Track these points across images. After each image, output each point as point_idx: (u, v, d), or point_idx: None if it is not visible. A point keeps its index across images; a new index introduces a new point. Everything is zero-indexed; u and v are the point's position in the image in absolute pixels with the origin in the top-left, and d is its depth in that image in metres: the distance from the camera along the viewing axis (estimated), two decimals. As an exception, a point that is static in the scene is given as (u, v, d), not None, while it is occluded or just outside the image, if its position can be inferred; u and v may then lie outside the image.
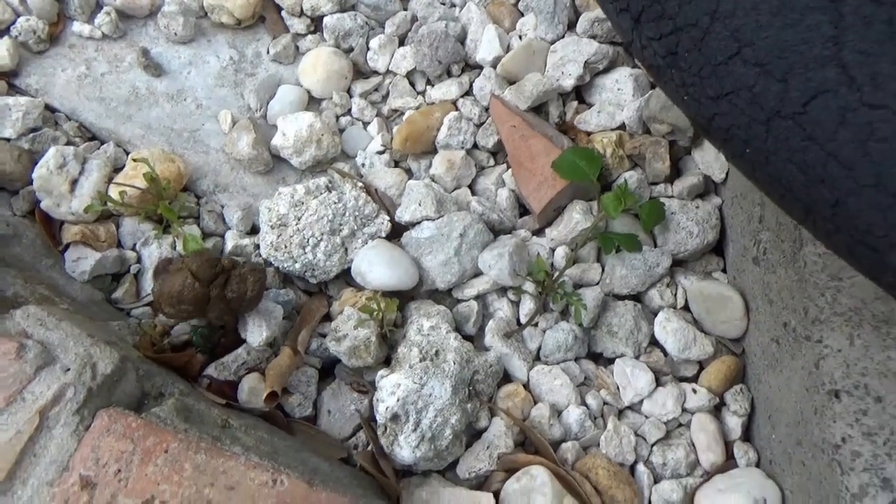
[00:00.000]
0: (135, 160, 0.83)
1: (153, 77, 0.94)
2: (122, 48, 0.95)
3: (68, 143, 0.88)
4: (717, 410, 0.77)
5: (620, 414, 0.77)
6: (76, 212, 0.81)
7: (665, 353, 0.78)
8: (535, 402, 0.75)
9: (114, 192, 0.82)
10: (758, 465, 0.72)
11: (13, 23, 0.91)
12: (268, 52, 0.98)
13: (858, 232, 0.38)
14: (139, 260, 0.83)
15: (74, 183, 0.83)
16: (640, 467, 0.73)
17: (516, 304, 0.81)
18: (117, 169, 0.87)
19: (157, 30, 0.97)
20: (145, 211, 0.82)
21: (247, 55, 0.98)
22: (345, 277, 0.83)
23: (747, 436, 0.76)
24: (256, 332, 0.74)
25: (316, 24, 0.99)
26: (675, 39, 0.43)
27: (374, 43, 0.96)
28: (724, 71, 0.41)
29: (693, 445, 0.74)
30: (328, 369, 0.79)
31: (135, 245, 0.84)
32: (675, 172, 0.88)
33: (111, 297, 0.80)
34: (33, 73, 0.92)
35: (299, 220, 0.81)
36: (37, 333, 0.62)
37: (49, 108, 0.90)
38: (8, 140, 0.85)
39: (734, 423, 0.75)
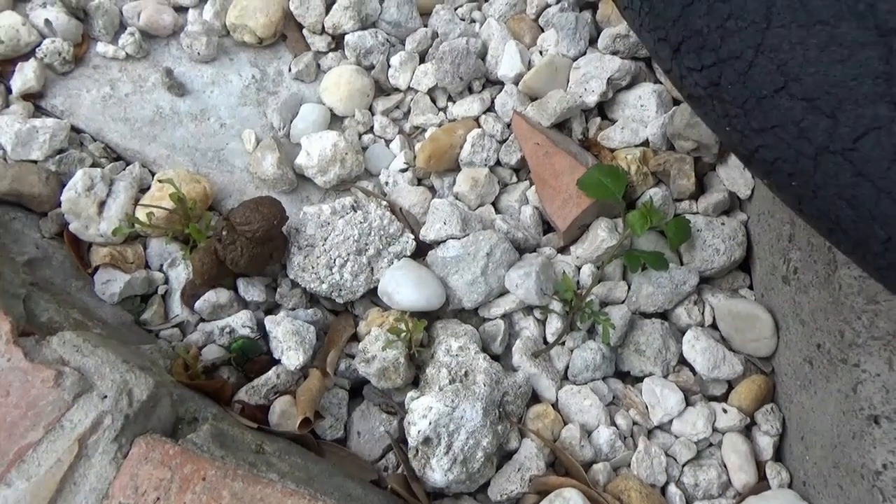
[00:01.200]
0: (160, 181, 0.84)
1: (177, 97, 0.95)
2: (145, 68, 0.96)
3: (94, 165, 0.88)
4: (747, 430, 0.77)
5: (650, 434, 0.77)
6: (105, 234, 0.82)
7: (694, 372, 0.78)
8: (565, 423, 0.75)
9: (141, 213, 0.82)
10: (790, 485, 0.72)
11: (38, 45, 0.92)
12: (289, 71, 0.98)
13: (912, 269, 0.38)
14: (167, 281, 0.84)
15: (102, 205, 0.83)
16: (672, 488, 0.73)
17: (543, 323, 0.81)
18: (143, 189, 0.88)
19: (181, 49, 0.97)
20: (172, 231, 0.83)
21: (269, 74, 0.99)
22: (370, 297, 0.84)
23: (779, 456, 0.76)
24: (293, 356, 0.75)
25: (337, 41, 0.99)
26: (718, 71, 0.43)
27: (395, 60, 0.96)
28: (770, 104, 0.41)
29: (724, 466, 0.74)
30: (356, 390, 0.79)
31: (162, 266, 0.84)
32: (700, 189, 0.88)
33: (140, 319, 0.81)
34: (59, 95, 0.92)
35: (325, 240, 0.82)
36: (73, 360, 0.62)
37: (75, 129, 0.91)
38: (35, 162, 0.85)
39: (766, 443, 0.75)
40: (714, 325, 0.81)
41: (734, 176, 0.86)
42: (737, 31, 0.41)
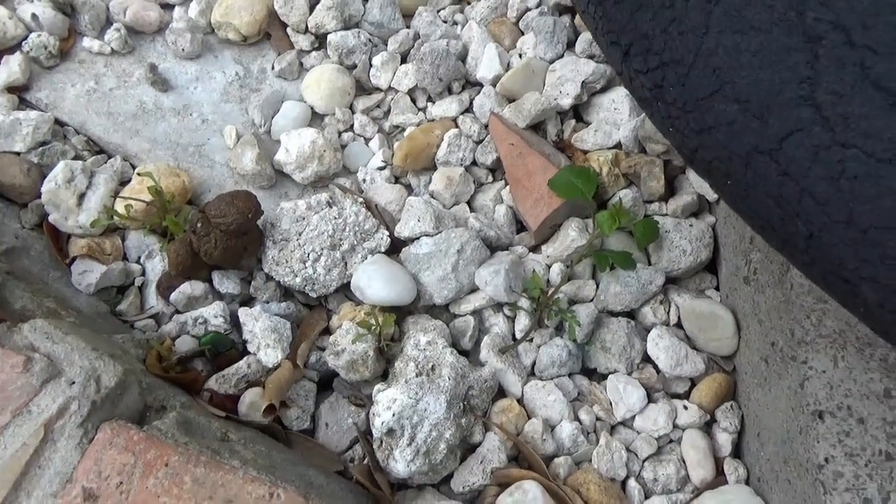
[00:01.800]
0: (139, 174, 0.85)
1: (160, 92, 0.96)
2: (130, 63, 0.98)
3: (76, 157, 0.90)
4: (707, 427, 0.78)
5: (613, 429, 0.78)
6: (83, 225, 0.83)
7: (657, 370, 0.80)
8: (529, 418, 0.76)
9: (120, 205, 0.84)
10: (747, 481, 0.74)
11: (25, 38, 0.93)
12: (273, 69, 1.00)
13: (832, 265, 0.40)
14: (144, 273, 0.85)
15: (82, 197, 0.85)
16: (632, 482, 0.74)
17: (512, 320, 0.83)
18: (124, 183, 0.89)
19: (165, 46, 0.99)
20: (150, 224, 0.84)
21: (252, 71, 1.00)
22: (344, 291, 0.85)
23: (737, 452, 0.77)
24: (271, 353, 0.76)
25: (320, 41, 1.01)
26: (662, 74, 0.45)
27: (376, 60, 0.98)
28: (707, 106, 0.42)
29: (683, 461, 0.75)
30: (327, 382, 0.81)
31: (139, 258, 0.85)
32: (670, 191, 0.89)
33: (116, 310, 0.82)
34: (44, 88, 0.94)
35: (300, 235, 0.83)
36: (43, 347, 0.63)
37: (59, 123, 0.92)
38: (18, 154, 0.87)
39: (724, 440, 0.76)
40: (679, 325, 0.83)
41: (702, 179, 0.87)
42: (678, 35, 0.43)
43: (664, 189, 0.87)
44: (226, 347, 0.77)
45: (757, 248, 0.73)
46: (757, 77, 0.39)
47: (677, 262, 0.83)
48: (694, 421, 0.76)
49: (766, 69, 0.39)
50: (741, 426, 0.77)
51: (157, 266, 0.84)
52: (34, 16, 0.93)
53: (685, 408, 0.77)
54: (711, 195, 0.87)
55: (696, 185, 0.88)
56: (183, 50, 0.97)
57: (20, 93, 0.93)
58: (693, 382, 0.80)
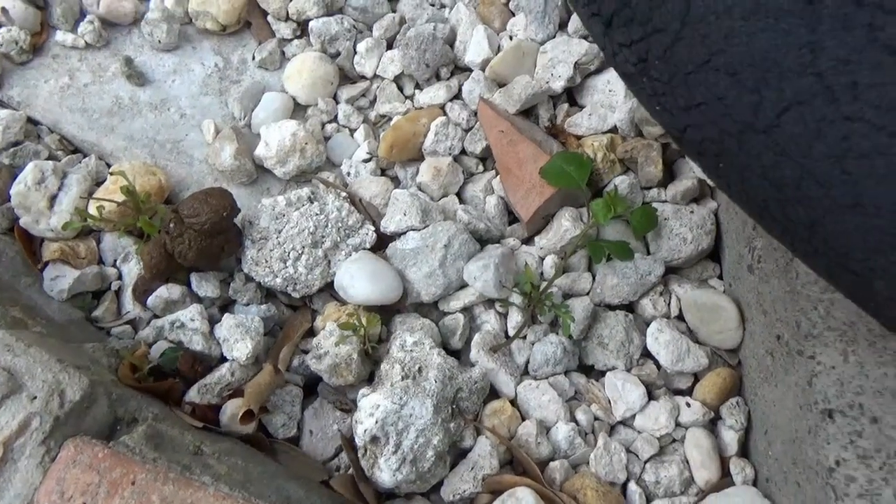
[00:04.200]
0: (112, 174, 0.82)
1: (137, 86, 0.93)
2: (105, 57, 0.94)
3: (50, 157, 0.86)
4: (712, 425, 0.74)
5: (612, 430, 0.74)
6: (55, 228, 0.80)
7: (658, 366, 0.76)
8: (523, 419, 0.72)
9: (92, 207, 0.80)
10: (755, 482, 0.69)
11: (-6, 35, 0.90)
12: (253, 59, 0.96)
13: (838, 255, 0.35)
14: (120, 276, 0.82)
15: (53, 199, 0.81)
16: (632, 486, 0.70)
17: (504, 317, 0.79)
18: (100, 183, 0.86)
19: (142, 37, 0.95)
20: (125, 225, 0.81)
21: (232, 62, 0.96)
22: (329, 291, 0.81)
23: (744, 451, 0.73)
24: (241, 347, 0.73)
25: (302, 28, 0.97)
26: (646, 46, 0.40)
27: (361, 47, 0.94)
28: (695, 80, 0.38)
29: (687, 462, 0.71)
30: (312, 387, 0.77)
31: (115, 261, 0.82)
32: (669, 176, 0.85)
33: (91, 316, 0.79)
34: (16, 85, 0.90)
35: (280, 232, 0.79)
36: (3, 360, 0.60)
37: (32, 121, 0.89)
38: (-12, 156, 0.84)
39: (730, 438, 0.72)
40: (681, 317, 0.78)
41: (693, 162, 0.82)
42: (663, 1, 0.38)
43: (663, 174, 0.83)
44: (177, 353, 0.73)
45: (761, 235, 0.68)
46: (750, 45, 0.35)
47: (677, 251, 0.79)
48: (697, 419, 0.72)
49: (761, 35, 0.35)
50: (748, 423, 0.72)
51: (133, 269, 0.81)
52: (3, 10, 0.90)
53: (688, 405, 0.73)
54: (713, 179, 0.82)
55: (696, 169, 0.83)
56: (159, 41, 0.94)
57: (-9, 91, 0.89)
58: (696, 378, 0.76)
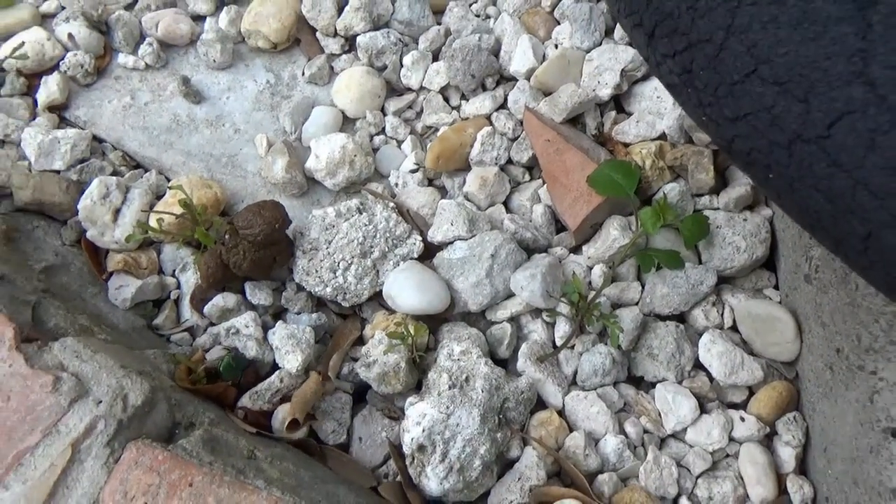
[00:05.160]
0: (171, 188, 0.85)
1: (193, 104, 0.96)
2: (164, 77, 0.98)
3: (114, 173, 0.91)
4: (768, 440, 0.72)
5: (662, 443, 0.73)
6: (119, 241, 0.84)
7: (711, 378, 0.74)
8: (571, 431, 0.72)
9: (153, 219, 0.84)
10: (814, 501, 0.67)
11: (62, 58, 0.95)
12: (303, 74, 0.98)
13: (895, 269, 0.34)
14: (178, 286, 0.85)
15: (117, 212, 0.85)
16: (684, 501, 0.69)
17: (551, 327, 0.78)
18: (160, 197, 0.89)
19: (198, 58, 0.99)
20: (183, 237, 0.84)
21: (283, 78, 0.99)
22: (378, 299, 0.83)
23: (802, 469, 0.70)
24: (291, 359, 0.74)
25: (350, 43, 0.99)
26: (690, 56, 0.40)
27: (407, 60, 0.95)
28: (741, 90, 0.37)
29: (741, 478, 0.69)
30: (362, 395, 0.78)
31: (174, 271, 0.85)
32: (721, 183, 0.83)
33: (153, 324, 0.82)
34: (82, 106, 0.95)
35: (329, 243, 0.81)
36: (72, 366, 0.63)
37: (97, 139, 0.93)
38: (58, 172, 0.88)
39: (787, 455, 0.70)
40: (734, 328, 0.76)
41: (742, 173, 0.80)
42: (707, 11, 0.38)
43: (714, 181, 0.81)
44: (243, 366, 0.75)
45: (818, 244, 0.66)
46: (798, 53, 0.34)
47: (730, 260, 0.77)
48: (752, 434, 0.70)
49: (809, 43, 0.34)
50: (806, 439, 0.70)
51: (190, 279, 0.84)
52: (70, 35, 0.95)
53: (742, 419, 0.71)
54: (767, 186, 0.79)
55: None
56: (214, 61, 0.97)
57: (60, 111, 0.94)
58: (751, 391, 0.74)
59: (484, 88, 0.94)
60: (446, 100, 0.95)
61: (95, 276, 0.84)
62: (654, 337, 0.75)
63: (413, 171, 0.91)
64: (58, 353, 0.64)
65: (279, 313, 0.83)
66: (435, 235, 0.83)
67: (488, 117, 0.91)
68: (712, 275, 0.76)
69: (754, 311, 0.74)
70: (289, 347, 0.74)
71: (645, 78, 0.87)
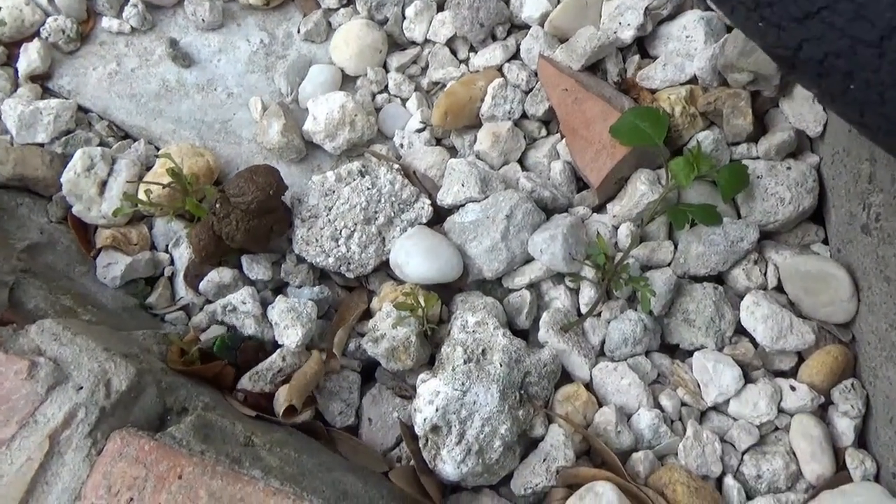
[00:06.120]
0: (159, 156, 0.79)
1: (183, 68, 0.90)
2: (151, 41, 0.92)
3: (101, 144, 0.85)
4: (822, 411, 0.65)
5: (702, 417, 0.66)
6: (106, 215, 0.78)
7: (755, 344, 0.67)
8: (600, 406, 0.66)
9: (141, 191, 0.78)
10: (877, 478, 0.60)
11: (43, 24, 0.88)
12: (299, 32, 0.91)
13: None
14: (172, 262, 0.79)
15: (104, 185, 0.80)
16: (729, 480, 0.62)
17: (575, 293, 0.72)
18: (150, 168, 0.84)
19: (186, 18, 0.92)
20: (174, 209, 0.78)
21: (277, 37, 0.92)
22: (385, 270, 0.77)
23: (862, 441, 0.64)
24: (291, 333, 0.69)
25: (348, -4, 0.92)
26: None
27: (409, 11, 0.88)
28: (814, -21, 0.30)
29: (793, 454, 0.63)
30: (370, 372, 0.73)
31: (167, 246, 0.80)
32: (761, 129, 0.76)
33: (146, 303, 0.77)
34: (66, 75, 0.89)
35: (330, 210, 0.75)
36: (50, 349, 0.58)
37: (82, 109, 0.88)
38: (41, 145, 0.83)
39: (845, 427, 0.63)
40: (780, 288, 0.69)
41: (802, 111, 0.72)
42: None
43: (753, 127, 0.74)
44: (238, 342, 0.69)
45: (879, 189, 0.58)
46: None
47: (774, 214, 0.69)
48: (804, 404, 0.63)
49: None
50: (866, 409, 0.63)
51: (184, 254, 0.79)
52: (50, -1, 0.89)
53: (792, 388, 0.64)
54: (814, 130, 0.72)
55: (792, 119, 0.73)
56: (203, 21, 0.91)
57: (42, 81, 0.89)
58: (800, 357, 0.67)
59: (493, 38, 0.87)
60: (453, 52, 0.88)
61: (83, 255, 0.79)
62: (689, 300, 0.68)
63: (419, 131, 0.85)
64: (35, 337, 0.59)
65: (279, 288, 0.78)
66: (444, 198, 0.76)
67: (499, 69, 0.84)
68: (754, 230, 0.69)
69: (803, 268, 0.67)
70: (288, 322, 0.68)
71: (672, 17, 0.79)
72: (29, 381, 0.56)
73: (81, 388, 0.56)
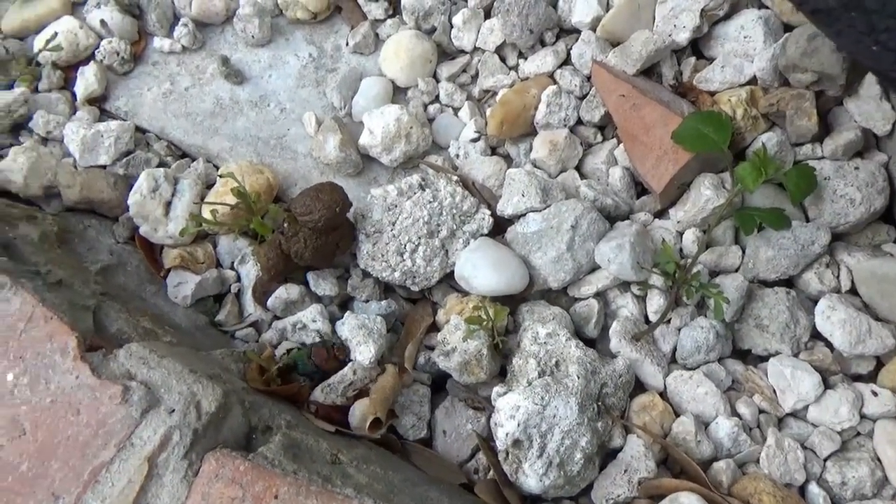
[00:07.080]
0: (222, 176, 0.80)
1: (235, 85, 0.91)
2: (202, 59, 0.93)
3: (160, 164, 0.86)
4: (904, 415, 0.64)
5: (781, 424, 0.66)
6: (173, 235, 0.80)
7: (831, 348, 0.66)
8: (677, 415, 0.66)
9: (206, 211, 0.79)
10: (967, 482, 0.60)
11: (97, 47, 0.90)
12: (347, 44, 0.92)
13: None
14: (238, 279, 0.80)
15: (169, 205, 0.81)
16: (814, 488, 0.62)
17: (643, 300, 0.72)
18: (210, 185, 0.85)
19: (235, 35, 0.93)
20: (239, 227, 0.79)
21: (326, 50, 0.93)
22: (448, 281, 0.77)
23: (948, 445, 0.63)
24: (364, 350, 0.70)
25: (394, 6, 0.92)
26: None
27: (457, 19, 0.88)
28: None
29: (879, 460, 0.62)
30: (440, 384, 0.73)
31: (233, 263, 0.81)
32: (825, 129, 0.75)
33: (215, 320, 0.78)
34: (122, 96, 0.91)
35: (394, 224, 0.75)
36: (140, 373, 0.59)
37: (140, 130, 0.89)
38: (104, 167, 0.84)
39: (930, 431, 0.62)
40: (853, 291, 0.68)
41: (868, 109, 0.71)
42: None
43: (818, 127, 0.73)
44: (318, 356, 0.70)
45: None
46: None
47: (844, 215, 0.69)
48: (888, 409, 0.63)
49: None
50: (952, 412, 0.62)
51: (250, 271, 0.80)
52: (103, 22, 0.90)
53: (874, 393, 0.63)
54: (881, 128, 0.71)
55: (858, 118, 0.72)
56: (253, 37, 0.91)
57: (99, 103, 0.90)
58: (880, 362, 0.66)
59: (543, 44, 0.86)
60: (503, 60, 0.88)
61: (153, 274, 0.80)
62: (762, 306, 0.68)
63: (474, 140, 0.85)
64: (124, 361, 0.60)
65: (345, 302, 0.78)
66: (505, 208, 0.77)
67: (551, 75, 0.84)
68: (825, 233, 0.68)
69: (878, 270, 0.66)
70: (360, 338, 0.69)
71: (728, 16, 0.79)
72: (123, 405, 0.57)
73: (174, 410, 0.57)
